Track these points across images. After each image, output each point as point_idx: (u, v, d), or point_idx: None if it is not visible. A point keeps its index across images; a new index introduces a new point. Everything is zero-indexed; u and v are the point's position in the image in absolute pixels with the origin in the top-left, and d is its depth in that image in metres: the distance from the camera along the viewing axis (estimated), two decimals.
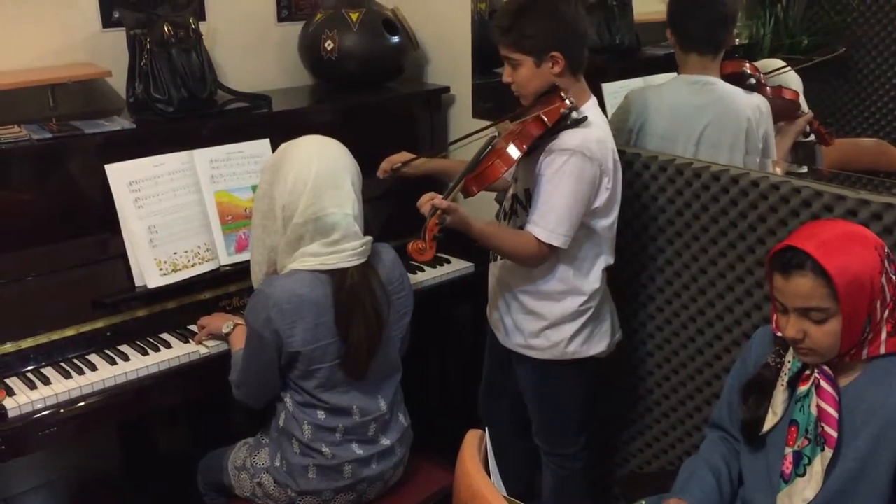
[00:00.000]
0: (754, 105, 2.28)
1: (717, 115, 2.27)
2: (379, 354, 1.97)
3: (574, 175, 1.94)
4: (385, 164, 2.38)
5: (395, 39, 2.75)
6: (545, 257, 2.00)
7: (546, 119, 1.93)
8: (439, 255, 2.61)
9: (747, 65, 2.40)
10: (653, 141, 2.34)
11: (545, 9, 1.98)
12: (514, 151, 1.93)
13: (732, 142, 2.25)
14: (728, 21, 2.35)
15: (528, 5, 1.99)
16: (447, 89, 2.87)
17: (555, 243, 1.95)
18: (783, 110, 2.37)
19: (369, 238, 1.96)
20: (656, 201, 2.27)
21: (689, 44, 2.30)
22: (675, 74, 2.40)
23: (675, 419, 2.41)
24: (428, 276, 2.56)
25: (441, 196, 1.86)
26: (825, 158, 2.47)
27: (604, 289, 2.15)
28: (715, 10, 2.30)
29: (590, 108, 2.04)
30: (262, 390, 1.98)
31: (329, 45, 2.68)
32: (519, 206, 2.12)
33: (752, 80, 2.35)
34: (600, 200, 2.01)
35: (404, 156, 2.38)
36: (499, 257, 2.19)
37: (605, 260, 2.11)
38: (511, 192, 2.17)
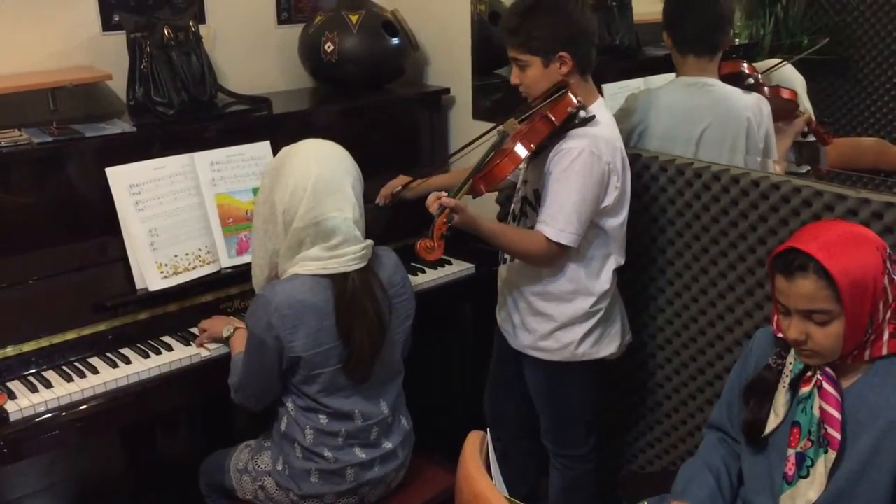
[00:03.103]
0: (754, 104, 2.28)
1: (716, 116, 2.26)
2: (381, 358, 1.97)
3: (582, 174, 1.93)
4: (384, 191, 2.40)
5: (395, 41, 2.75)
6: (555, 257, 2.00)
7: (553, 118, 1.93)
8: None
9: (745, 65, 2.40)
10: (652, 143, 2.34)
11: (552, 9, 1.98)
12: (521, 150, 1.93)
13: (732, 143, 2.24)
14: (723, 22, 2.34)
15: (535, 6, 1.98)
16: (447, 90, 2.87)
17: (564, 242, 1.95)
18: (781, 110, 2.36)
19: (370, 242, 1.96)
20: (657, 202, 2.27)
21: (685, 46, 2.29)
22: (674, 76, 2.40)
23: (676, 420, 2.40)
24: (429, 277, 2.55)
25: (448, 195, 1.86)
26: (826, 158, 2.47)
27: (614, 290, 2.14)
28: (709, 11, 2.30)
29: (598, 107, 2.03)
30: (262, 394, 1.98)
31: (329, 47, 2.67)
32: (528, 206, 2.11)
33: (750, 80, 2.35)
34: (609, 199, 2.00)
35: (402, 179, 2.39)
36: (507, 258, 2.18)
37: (616, 260, 2.10)
38: (520, 193, 2.17)
